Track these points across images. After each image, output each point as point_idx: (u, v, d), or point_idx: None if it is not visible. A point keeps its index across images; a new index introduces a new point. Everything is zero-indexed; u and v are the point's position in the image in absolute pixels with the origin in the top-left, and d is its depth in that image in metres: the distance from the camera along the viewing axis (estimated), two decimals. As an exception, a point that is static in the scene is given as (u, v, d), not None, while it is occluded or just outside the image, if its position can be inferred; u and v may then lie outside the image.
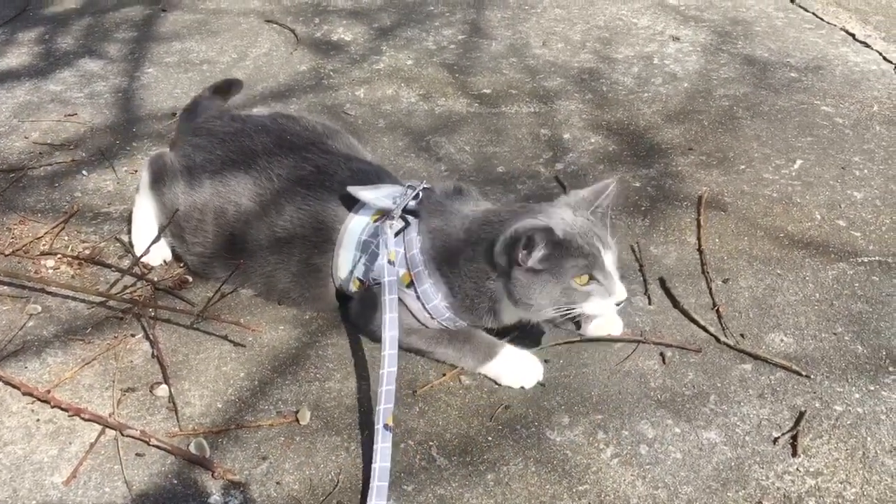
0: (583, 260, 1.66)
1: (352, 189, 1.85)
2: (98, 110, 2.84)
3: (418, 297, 1.77)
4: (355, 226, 1.85)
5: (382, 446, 1.54)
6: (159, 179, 2.04)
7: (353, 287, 1.87)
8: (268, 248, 1.91)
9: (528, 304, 1.70)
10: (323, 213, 1.88)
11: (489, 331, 1.85)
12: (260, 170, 1.94)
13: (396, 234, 1.79)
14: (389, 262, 1.75)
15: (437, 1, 3.74)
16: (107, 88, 2.98)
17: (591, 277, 1.68)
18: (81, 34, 3.41)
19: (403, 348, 1.81)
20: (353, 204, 1.88)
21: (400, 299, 1.77)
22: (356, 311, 1.89)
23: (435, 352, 1.83)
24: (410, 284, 1.78)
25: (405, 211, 1.81)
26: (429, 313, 1.78)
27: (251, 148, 1.99)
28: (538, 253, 1.66)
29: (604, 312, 1.71)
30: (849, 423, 1.69)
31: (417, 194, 1.83)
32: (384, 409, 1.58)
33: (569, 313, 1.72)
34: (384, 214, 1.82)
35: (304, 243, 1.89)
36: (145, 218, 2.09)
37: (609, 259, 1.70)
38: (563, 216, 1.73)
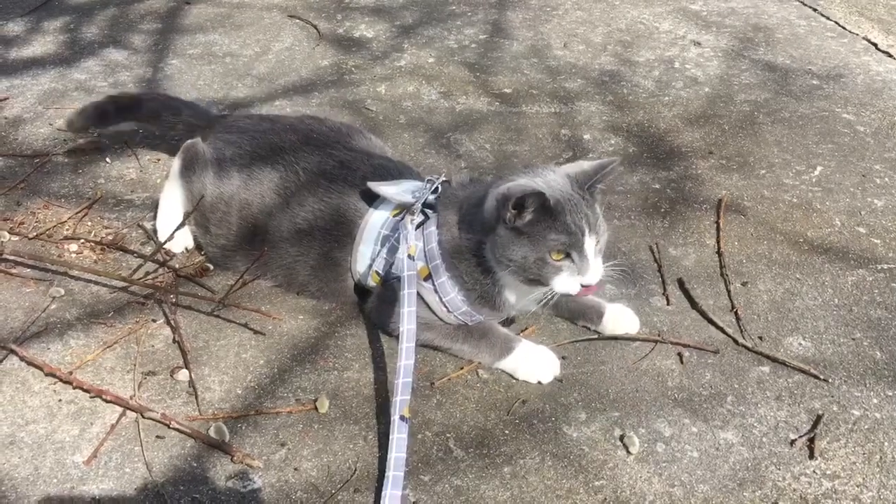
0: (564, 237, 1.66)
1: (372, 184, 1.86)
2: (122, 99, 2.86)
3: (436, 291, 1.78)
4: (375, 220, 1.86)
5: (398, 437, 1.55)
6: (190, 167, 2.06)
7: (372, 281, 1.88)
8: (289, 241, 1.93)
9: (503, 262, 1.70)
10: (344, 208, 1.89)
11: (507, 322, 1.86)
12: (286, 164, 1.97)
13: (416, 228, 1.80)
14: (409, 256, 1.76)
15: (458, 0, 3.76)
16: (131, 78, 3.01)
17: (567, 255, 1.68)
18: (106, 24, 3.44)
19: (420, 344, 1.82)
20: (373, 199, 1.89)
21: (418, 293, 1.78)
22: (374, 308, 1.90)
23: (452, 347, 1.84)
24: (428, 277, 1.79)
25: (425, 205, 1.83)
26: (446, 307, 1.79)
27: (279, 145, 2.02)
28: (526, 216, 1.66)
29: (569, 291, 1.70)
30: (866, 427, 1.69)
31: (436, 188, 1.84)
32: (400, 400, 1.59)
33: (538, 285, 1.71)
34: (404, 209, 1.84)
35: (325, 237, 1.90)
36: (172, 205, 2.11)
37: (590, 242, 1.68)
38: (560, 186, 1.71)
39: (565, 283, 1.69)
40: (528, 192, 1.62)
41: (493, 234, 1.71)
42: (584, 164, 1.79)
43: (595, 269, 1.69)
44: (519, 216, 1.66)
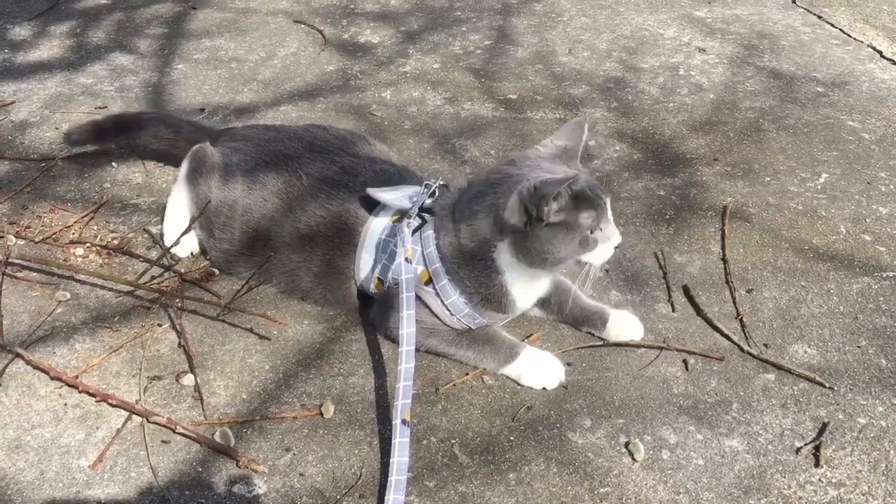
0: (594, 211, 1.68)
1: (371, 191, 1.87)
2: (128, 104, 2.87)
3: (437, 294, 1.79)
4: (376, 227, 1.87)
5: (400, 441, 1.55)
6: (197, 169, 2.07)
7: (374, 287, 1.88)
8: (291, 247, 1.93)
9: (545, 258, 1.70)
10: (345, 215, 1.90)
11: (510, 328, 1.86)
12: (289, 171, 1.98)
13: (414, 233, 1.81)
14: (406, 260, 1.77)
15: (464, 7, 3.77)
16: (137, 83, 3.02)
17: (597, 227, 1.71)
18: (112, 29, 3.45)
19: (424, 350, 1.83)
20: (374, 205, 1.89)
21: (419, 298, 1.78)
22: (377, 314, 1.90)
23: (456, 353, 1.84)
24: (429, 281, 1.79)
25: (423, 209, 1.83)
26: (448, 310, 1.79)
27: (283, 152, 2.03)
28: (560, 205, 1.66)
29: (606, 258, 1.74)
30: (872, 435, 1.68)
31: (434, 192, 1.85)
32: (402, 404, 1.59)
33: (581, 263, 1.74)
34: (403, 214, 1.84)
35: (327, 244, 1.91)
36: (178, 209, 2.12)
37: (609, 206, 1.74)
38: (560, 166, 1.74)
39: (601, 253, 1.73)
40: (560, 183, 1.62)
41: (518, 235, 1.69)
42: (558, 142, 1.82)
43: (617, 230, 1.75)
44: (552, 209, 1.66)
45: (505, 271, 1.76)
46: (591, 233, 1.69)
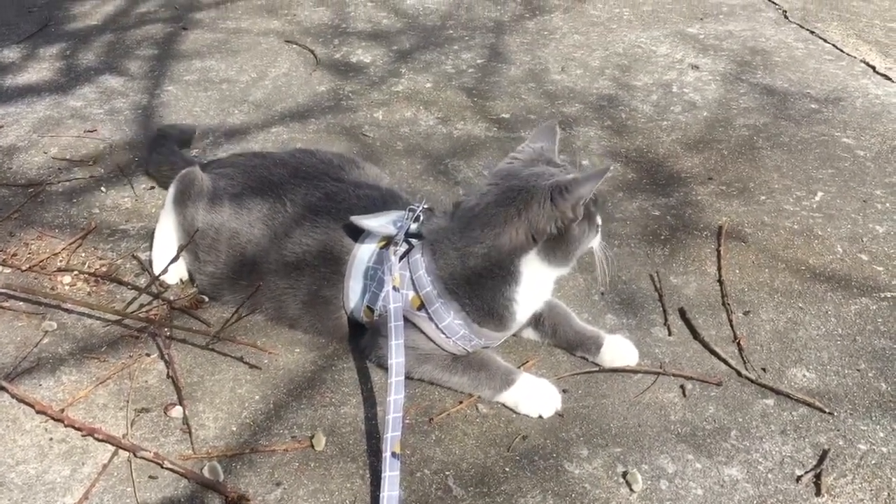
0: (592, 199, 1.75)
1: (354, 219, 1.84)
2: (118, 127, 2.85)
3: (431, 318, 1.76)
4: (363, 254, 1.84)
5: (390, 475, 1.52)
6: (185, 192, 2.05)
7: (365, 317, 1.85)
8: (277, 273, 1.90)
9: (573, 252, 1.76)
10: (331, 244, 1.87)
11: (505, 354, 1.83)
12: (274, 197, 1.96)
13: (401, 259, 1.78)
14: (394, 288, 1.74)
15: (456, 25, 3.76)
16: (127, 105, 3.00)
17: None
18: (102, 51, 3.43)
19: (417, 378, 1.80)
20: (359, 233, 1.87)
21: (413, 324, 1.76)
22: (369, 343, 1.87)
23: (450, 381, 1.80)
24: (421, 306, 1.76)
25: (409, 234, 1.80)
26: (444, 332, 1.76)
27: (268, 178, 2.02)
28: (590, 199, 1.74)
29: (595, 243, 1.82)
30: (873, 462, 1.65)
31: (418, 216, 1.82)
32: (391, 436, 1.56)
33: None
34: (390, 240, 1.81)
35: (314, 273, 1.88)
36: (167, 235, 2.09)
37: None
38: (556, 157, 1.86)
39: (598, 235, 1.82)
40: (599, 176, 1.68)
41: (551, 239, 1.71)
42: (533, 144, 1.86)
43: None
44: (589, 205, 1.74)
45: (523, 280, 1.74)
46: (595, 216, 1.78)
